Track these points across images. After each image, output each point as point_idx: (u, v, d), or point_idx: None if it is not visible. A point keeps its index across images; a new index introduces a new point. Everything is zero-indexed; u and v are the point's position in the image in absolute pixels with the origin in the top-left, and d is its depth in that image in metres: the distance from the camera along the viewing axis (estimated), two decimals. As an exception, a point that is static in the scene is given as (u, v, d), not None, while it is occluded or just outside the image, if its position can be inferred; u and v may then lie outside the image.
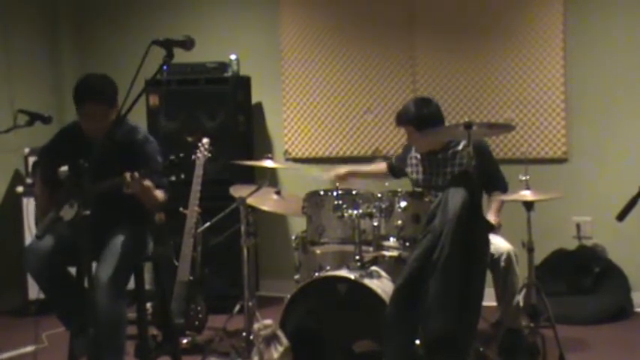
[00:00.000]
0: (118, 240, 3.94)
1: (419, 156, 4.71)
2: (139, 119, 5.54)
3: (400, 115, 4.61)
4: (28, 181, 5.94)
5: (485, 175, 4.37)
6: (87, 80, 4.04)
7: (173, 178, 3.72)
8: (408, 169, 4.76)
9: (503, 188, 4.54)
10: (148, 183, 3.81)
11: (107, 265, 3.81)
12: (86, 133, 4.02)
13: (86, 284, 3.82)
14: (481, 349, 4.04)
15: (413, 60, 5.94)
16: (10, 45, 6.37)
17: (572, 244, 5.57)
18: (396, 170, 4.90)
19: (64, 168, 4.10)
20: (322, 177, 4.95)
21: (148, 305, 4.50)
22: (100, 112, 3.95)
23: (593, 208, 5.52)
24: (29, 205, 5.65)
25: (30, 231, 5.47)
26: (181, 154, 3.70)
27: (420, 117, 4.47)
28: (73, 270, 4.14)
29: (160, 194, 3.97)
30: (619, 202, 2.55)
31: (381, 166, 5.00)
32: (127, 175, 3.67)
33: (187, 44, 3.36)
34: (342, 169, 4.97)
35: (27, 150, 5.97)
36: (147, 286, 4.32)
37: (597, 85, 5.56)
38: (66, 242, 3.92)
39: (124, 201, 3.83)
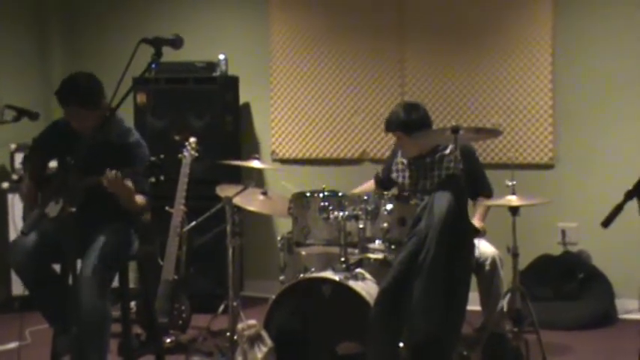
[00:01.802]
0: (103, 238, 3.92)
1: (405, 161, 4.71)
2: (126, 117, 5.53)
3: (389, 122, 4.60)
4: (14, 177, 5.91)
5: (471, 180, 4.38)
6: (70, 82, 4.01)
7: (153, 180, 3.69)
8: (394, 174, 4.76)
9: (488, 193, 4.55)
10: (128, 184, 3.78)
11: (91, 262, 3.79)
12: (74, 128, 4.01)
13: (70, 281, 3.82)
14: (465, 352, 4.05)
15: (402, 63, 5.95)
16: (-3, 40, 6.35)
17: (557, 250, 5.59)
18: (384, 183, 4.89)
19: (53, 164, 4.09)
20: None
21: (132, 304, 4.50)
22: (84, 113, 3.94)
23: (578, 214, 5.54)
24: (14, 201, 5.62)
25: (15, 227, 5.44)
26: (162, 155, 3.66)
27: (410, 122, 4.47)
28: (57, 267, 4.12)
29: (140, 199, 3.95)
30: (605, 208, 2.56)
31: (369, 184, 4.98)
32: (109, 172, 3.65)
33: (176, 43, 3.36)
34: None
35: (13, 146, 5.94)
36: (131, 285, 4.31)
37: (585, 91, 5.58)
38: (51, 239, 3.90)
39: (110, 199, 3.81)
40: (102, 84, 4.04)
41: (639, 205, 2.44)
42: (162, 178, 3.65)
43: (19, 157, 5.83)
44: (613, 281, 5.43)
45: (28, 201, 4.15)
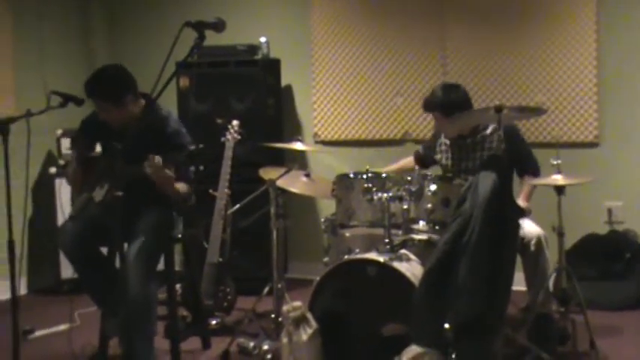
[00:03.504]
0: (149, 221, 3.96)
1: (448, 142, 4.69)
2: (169, 101, 5.60)
3: (427, 102, 4.58)
4: (61, 162, 6.00)
5: (517, 159, 4.34)
6: (97, 75, 4.05)
7: (192, 169, 3.70)
8: (438, 156, 4.74)
9: (535, 172, 4.50)
10: (168, 172, 3.80)
11: (137, 246, 3.84)
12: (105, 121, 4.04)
13: (117, 264, 3.88)
14: (510, 333, 4.03)
15: (443, 43, 5.90)
16: (43, 26, 6.42)
17: (603, 229, 5.52)
18: (424, 160, 4.87)
19: (99, 147, 4.14)
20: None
21: (178, 286, 4.55)
22: (107, 107, 3.98)
23: (624, 193, 5.48)
24: (62, 186, 5.71)
25: (62, 211, 5.54)
26: (201, 145, 3.66)
27: (448, 103, 4.44)
28: (104, 250, 4.18)
29: (182, 187, 3.98)
30: (651, 187, 2.53)
31: (408, 160, 4.96)
32: (151, 156, 3.67)
33: (219, 26, 3.38)
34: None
35: (60, 132, 6.02)
36: (177, 268, 4.36)
37: (630, 69, 5.49)
38: (98, 223, 3.96)
39: (154, 183, 3.84)
40: (131, 79, 4.04)
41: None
42: (201, 168, 3.66)
43: (65, 143, 5.92)
44: (661, 260, 5.36)
45: (75, 185, 4.21)
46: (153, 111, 3.99)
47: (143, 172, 3.70)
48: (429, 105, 4.56)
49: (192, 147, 3.69)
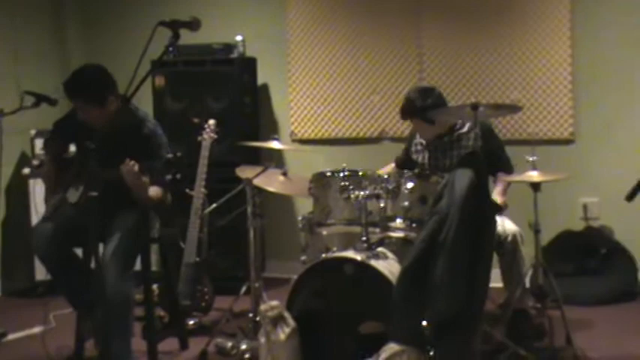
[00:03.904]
0: (124, 222, 3.94)
1: (423, 142, 4.69)
2: (144, 100, 5.57)
3: (404, 109, 4.55)
4: (35, 162, 5.93)
5: (491, 156, 4.35)
6: (77, 76, 4.01)
7: (169, 177, 3.66)
8: (414, 156, 4.74)
9: (509, 169, 4.52)
10: (145, 179, 3.77)
11: (113, 246, 3.81)
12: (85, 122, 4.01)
13: (93, 265, 3.85)
14: (488, 329, 4.04)
15: (419, 41, 5.91)
16: (16, 26, 6.36)
17: (579, 225, 5.56)
18: (405, 164, 4.86)
19: (73, 147, 4.10)
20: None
21: (155, 287, 4.52)
22: (88, 108, 3.94)
23: (600, 189, 5.51)
24: (35, 187, 5.66)
25: (36, 212, 5.49)
26: (178, 153, 3.62)
27: (426, 108, 4.42)
28: (79, 251, 4.15)
29: (155, 191, 3.95)
30: (626, 183, 2.54)
31: (390, 167, 4.96)
32: (128, 161, 3.64)
33: (193, 25, 3.35)
34: None
35: (33, 132, 5.97)
36: (153, 268, 4.33)
37: (604, 65, 5.54)
38: (72, 223, 3.93)
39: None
40: (111, 78, 4.01)
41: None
42: (178, 176, 3.62)
43: (39, 143, 5.86)
44: (635, 256, 5.40)
45: (49, 185, 4.17)
46: (127, 111, 3.96)
47: (117, 174, 3.67)
48: (407, 112, 4.53)
49: (170, 155, 3.66)
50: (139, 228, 4.05)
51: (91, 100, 3.93)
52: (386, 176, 4.09)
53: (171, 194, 4.36)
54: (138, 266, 4.11)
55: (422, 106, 4.44)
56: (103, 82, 3.98)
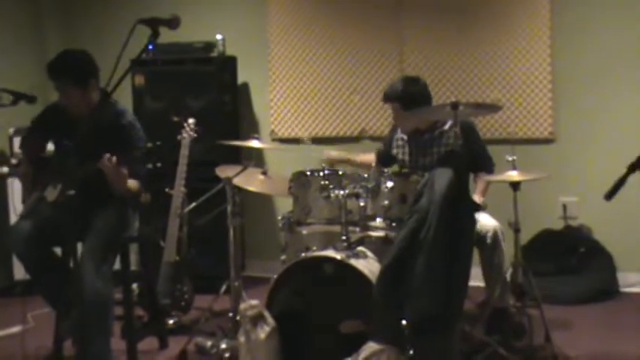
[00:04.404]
0: (103, 220, 3.91)
1: (405, 137, 4.70)
2: (124, 99, 5.53)
3: (387, 93, 4.60)
4: (13, 161, 5.89)
5: (472, 155, 4.36)
6: (63, 56, 4.01)
7: (150, 166, 3.66)
8: (395, 151, 4.75)
9: (490, 168, 4.54)
10: (123, 171, 3.76)
11: (92, 245, 3.79)
12: (68, 110, 3.99)
13: (71, 265, 3.82)
14: (467, 328, 4.05)
15: (400, 40, 5.92)
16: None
17: (558, 225, 5.59)
18: (384, 158, 4.88)
19: (50, 146, 4.08)
20: (312, 152, 4.92)
21: (134, 286, 4.50)
22: (70, 90, 3.92)
23: (579, 189, 5.54)
24: (14, 186, 5.60)
25: (15, 211, 5.43)
26: (158, 142, 3.62)
27: (407, 95, 4.46)
28: (58, 250, 4.12)
29: (133, 184, 3.93)
30: (604, 182, 2.55)
31: (370, 156, 4.97)
32: (106, 155, 3.63)
33: (173, 23, 3.33)
34: (335, 153, 4.97)
35: (11, 130, 5.92)
36: (133, 267, 4.31)
37: (584, 65, 5.57)
38: (50, 222, 3.90)
39: (108, 182, 3.79)
40: (95, 63, 4.01)
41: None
42: (159, 165, 3.63)
43: (17, 141, 5.81)
44: (614, 255, 5.44)
45: (26, 184, 4.14)
46: (107, 105, 3.94)
47: (97, 169, 3.65)
48: (389, 96, 4.58)
49: (150, 144, 3.65)
50: (118, 227, 4.03)
51: (75, 81, 3.91)
52: (366, 175, 4.09)
53: (152, 192, 4.35)
54: (117, 265, 4.09)
55: (404, 92, 4.47)
56: (86, 64, 3.99)
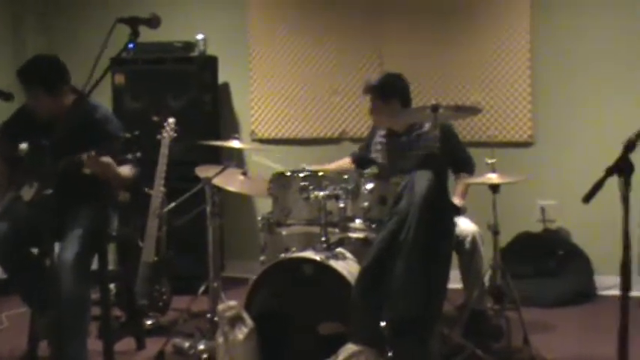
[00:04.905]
0: (81, 220, 3.88)
1: (384, 140, 4.71)
2: (104, 98, 5.49)
3: (367, 84, 4.65)
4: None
5: (452, 157, 4.38)
6: (34, 63, 3.98)
7: (129, 156, 3.65)
8: (374, 155, 4.75)
9: (470, 170, 4.55)
10: (106, 159, 3.72)
11: (71, 245, 3.76)
12: (39, 114, 3.95)
13: (49, 265, 3.79)
14: (446, 331, 4.06)
15: (381, 42, 5.92)
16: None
17: (537, 228, 5.61)
18: (361, 161, 4.88)
19: (24, 145, 4.03)
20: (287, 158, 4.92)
21: (112, 286, 4.47)
22: (42, 97, 3.89)
23: (557, 192, 5.56)
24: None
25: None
26: (136, 132, 3.61)
27: (385, 85, 4.51)
28: (35, 250, 4.08)
29: (126, 170, 3.90)
30: (583, 186, 2.57)
31: (345, 161, 4.96)
32: (84, 155, 3.60)
33: (153, 22, 3.32)
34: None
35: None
36: (111, 267, 4.28)
37: (563, 70, 5.60)
38: (27, 222, 3.86)
39: (86, 180, 3.77)
40: (66, 69, 3.98)
41: (619, 182, 2.44)
42: (139, 154, 3.61)
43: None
44: (592, 258, 5.47)
45: (1, 184, 4.10)
46: (82, 103, 3.91)
47: (73, 166, 3.62)
48: (368, 87, 4.61)
49: (128, 135, 3.63)
50: (96, 226, 4.00)
51: (45, 89, 3.88)
52: (346, 176, 4.09)
53: (131, 192, 4.32)
54: (95, 265, 4.06)
55: (383, 82, 4.56)
56: (57, 71, 3.95)
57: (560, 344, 4.45)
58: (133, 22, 3.24)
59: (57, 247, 3.77)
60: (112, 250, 4.32)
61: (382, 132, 4.75)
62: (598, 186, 2.41)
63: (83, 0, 6.64)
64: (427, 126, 4.50)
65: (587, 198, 2.43)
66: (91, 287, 3.89)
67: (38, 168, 3.76)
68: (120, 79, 5.97)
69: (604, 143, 5.31)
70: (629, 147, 2.44)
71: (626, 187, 2.44)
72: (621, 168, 2.44)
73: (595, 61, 5.51)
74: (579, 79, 5.56)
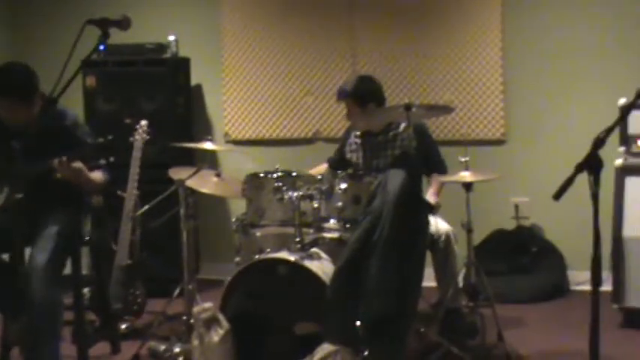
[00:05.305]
0: (53, 224, 3.84)
1: (359, 140, 4.72)
2: (75, 101, 5.46)
3: (341, 89, 4.64)
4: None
5: (425, 157, 4.39)
6: (7, 73, 3.89)
7: (103, 162, 3.62)
8: (349, 155, 4.75)
9: (443, 170, 4.57)
10: (77, 165, 3.69)
11: (42, 250, 3.72)
12: (7, 121, 3.91)
13: (20, 270, 3.75)
14: (421, 329, 4.08)
15: (353, 42, 5.93)
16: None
17: (510, 225, 5.65)
18: (337, 164, 4.87)
19: None
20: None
21: (86, 290, 4.44)
22: (16, 107, 3.84)
23: (530, 189, 5.60)
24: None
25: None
26: (110, 137, 3.59)
27: (361, 90, 4.51)
28: (6, 256, 4.04)
29: (98, 175, 3.88)
30: (556, 182, 2.58)
31: (322, 167, 4.96)
32: (55, 161, 3.57)
33: (123, 24, 3.30)
34: None
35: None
36: (84, 271, 4.25)
37: (534, 68, 5.64)
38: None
39: (58, 185, 3.73)
40: (37, 78, 3.93)
41: (589, 178, 2.46)
42: (112, 159, 3.59)
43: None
44: (565, 254, 5.52)
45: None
46: (51, 109, 3.87)
47: (45, 171, 3.59)
48: (343, 92, 4.61)
49: (102, 139, 3.61)
50: (69, 230, 3.96)
51: (20, 98, 3.83)
52: (319, 177, 4.09)
53: (104, 196, 4.29)
54: (68, 269, 4.03)
55: (358, 88, 4.55)
56: (32, 80, 3.90)
57: (534, 340, 4.49)
58: (103, 24, 3.22)
59: (28, 252, 3.74)
60: (85, 253, 4.28)
61: (357, 132, 4.76)
62: (568, 183, 2.42)
63: (53, 1, 6.58)
64: (403, 125, 4.52)
65: (558, 195, 2.44)
66: (64, 292, 3.85)
67: (8, 172, 3.72)
68: (91, 81, 5.93)
69: (576, 140, 5.34)
70: (598, 144, 2.46)
71: (595, 183, 2.46)
72: (590, 165, 2.46)
73: (565, 59, 5.56)
74: (550, 77, 5.61)
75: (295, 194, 4.00)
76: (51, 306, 3.71)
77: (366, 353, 3.51)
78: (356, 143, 4.73)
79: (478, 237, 5.14)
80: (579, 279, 5.45)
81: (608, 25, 5.48)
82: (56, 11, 6.53)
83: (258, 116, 6.18)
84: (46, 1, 6.61)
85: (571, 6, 5.54)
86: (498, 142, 5.72)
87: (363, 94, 4.53)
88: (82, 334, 4.10)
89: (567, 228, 5.49)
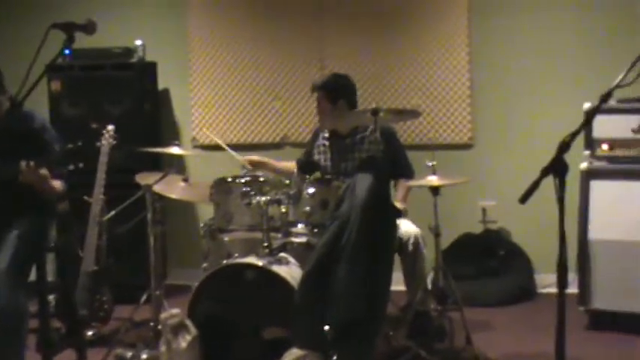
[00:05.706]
0: (18, 230, 3.79)
1: (327, 142, 4.72)
2: (40, 105, 5.41)
3: (315, 82, 4.70)
4: None
5: (392, 161, 4.40)
6: None
7: (71, 167, 3.60)
8: (316, 157, 4.76)
9: (409, 175, 4.58)
10: (44, 172, 3.66)
11: (5, 256, 3.67)
12: None
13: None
14: (390, 332, 4.08)
15: (321, 46, 5.94)
16: None
17: (478, 228, 5.68)
18: (305, 167, 4.88)
19: None
20: (236, 158, 4.90)
21: (51, 297, 4.38)
22: None
23: (497, 193, 5.63)
24: None
25: None
26: (79, 143, 3.57)
27: (334, 85, 4.59)
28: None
29: (57, 184, 3.84)
30: (522, 186, 2.60)
31: (292, 165, 4.97)
32: (23, 164, 3.53)
33: (89, 28, 3.26)
34: (256, 157, 4.94)
35: None
36: (49, 277, 4.20)
37: (501, 73, 5.69)
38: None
39: (23, 190, 3.69)
40: (4, 76, 3.90)
41: (555, 182, 2.48)
42: (81, 165, 3.57)
43: None
44: (532, 257, 5.57)
45: None
46: (17, 111, 3.83)
47: (11, 177, 3.55)
48: (316, 84, 4.67)
49: (71, 145, 3.58)
50: (34, 236, 3.91)
51: None
52: (287, 182, 4.09)
53: (70, 201, 4.25)
54: (33, 276, 3.97)
55: (332, 81, 4.63)
56: None
57: (502, 342, 4.51)
58: (68, 28, 3.18)
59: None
60: (50, 260, 4.23)
61: (325, 134, 4.77)
62: (534, 187, 2.44)
63: (16, 7, 6.51)
64: (371, 129, 4.52)
65: (524, 199, 2.46)
66: (29, 299, 3.80)
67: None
68: (56, 85, 5.88)
69: (542, 144, 5.39)
70: (563, 148, 2.48)
71: (561, 187, 2.48)
72: (556, 168, 2.48)
73: (531, 64, 5.61)
74: (517, 82, 5.66)
75: (263, 199, 3.99)
76: (15, 313, 3.66)
77: (334, 358, 3.50)
78: (324, 145, 4.74)
79: (446, 241, 5.16)
80: (546, 282, 5.50)
81: (574, 30, 5.54)
82: (23, 14, 6.46)
83: (226, 121, 6.16)
84: (12, 3, 6.54)
85: (537, 11, 5.59)
86: (465, 147, 5.75)
87: (335, 89, 4.58)
88: (47, 342, 4.04)
89: (534, 231, 5.54)
